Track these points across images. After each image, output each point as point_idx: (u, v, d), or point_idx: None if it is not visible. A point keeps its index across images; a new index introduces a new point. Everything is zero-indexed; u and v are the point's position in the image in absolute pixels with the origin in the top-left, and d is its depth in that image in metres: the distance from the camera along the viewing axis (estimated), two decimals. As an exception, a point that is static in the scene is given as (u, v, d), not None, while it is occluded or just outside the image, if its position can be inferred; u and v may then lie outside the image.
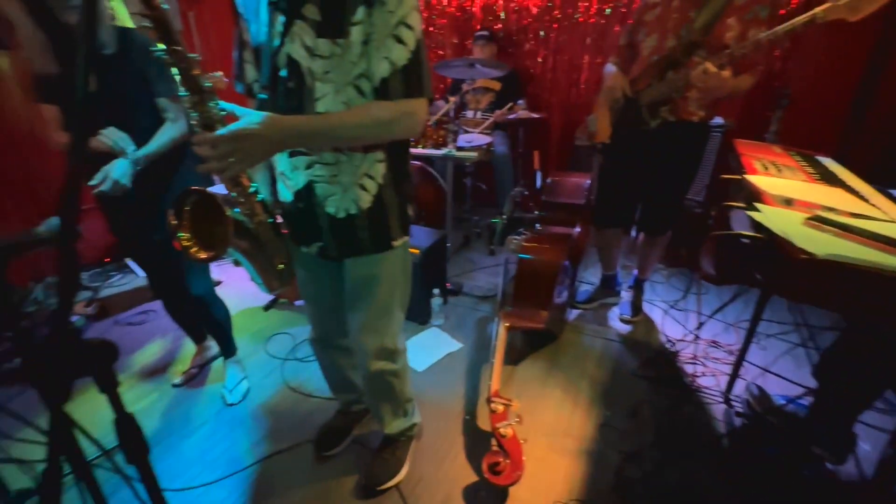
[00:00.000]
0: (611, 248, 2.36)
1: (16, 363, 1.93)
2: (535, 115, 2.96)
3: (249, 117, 0.87)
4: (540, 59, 3.35)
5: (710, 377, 1.94)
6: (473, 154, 2.67)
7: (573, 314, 2.42)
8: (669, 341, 2.18)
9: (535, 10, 3.26)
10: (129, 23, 1.43)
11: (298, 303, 2.47)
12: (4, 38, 2.21)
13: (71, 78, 1.33)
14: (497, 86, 3.31)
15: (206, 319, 1.80)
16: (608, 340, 2.21)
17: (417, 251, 2.19)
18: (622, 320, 2.34)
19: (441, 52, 3.64)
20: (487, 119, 3.34)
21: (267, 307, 2.49)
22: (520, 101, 2.98)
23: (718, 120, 2.68)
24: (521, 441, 1.47)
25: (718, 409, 1.78)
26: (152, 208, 1.51)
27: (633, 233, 2.99)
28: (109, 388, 0.61)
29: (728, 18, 1.63)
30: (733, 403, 1.78)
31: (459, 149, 2.75)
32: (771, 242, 0.93)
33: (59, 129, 1.39)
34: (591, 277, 2.75)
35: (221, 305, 1.81)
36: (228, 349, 1.91)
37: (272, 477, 1.52)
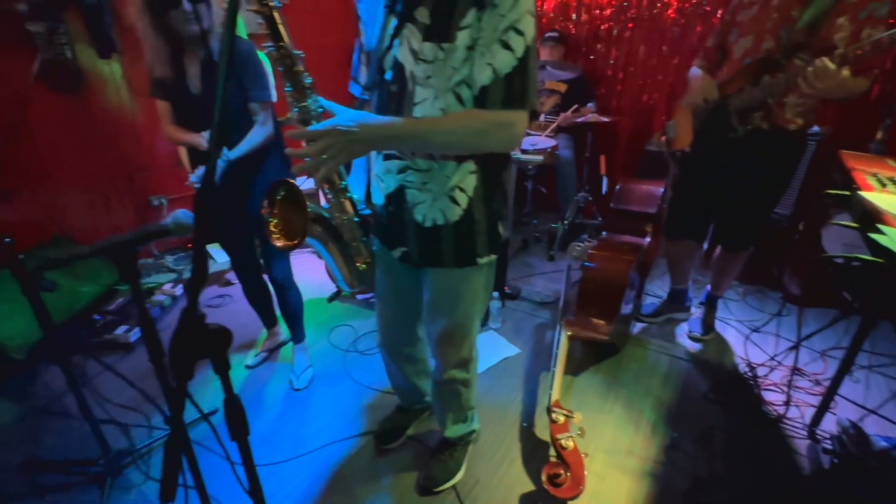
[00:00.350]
0: (683, 260, 2.23)
1: (126, 334, 2.14)
2: (605, 119, 2.86)
3: (343, 115, 0.89)
4: (612, 61, 3.23)
5: (792, 408, 1.78)
6: (538, 157, 2.62)
7: (637, 327, 2.32)
8: (746, 365, 2.02)
9: (608, 12, 3.15)
10: (242, 32, 1.54)
11: (361, 297, 2.55)
12: (118, 45, 2.46)
13: (180, 79, 1.46)
14: (563, 88, 3.23)
15: (281, 304, 1.91)
16: (675, 358, 2.09)
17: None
18: (691, 338, 2.21)
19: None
20: (552, 122, 3.28)
21: (331, 298, 2.55)
22: (589, 105, 2.89)
23: (814, 128, 2.46)
24: (583, 455, 1.43)
25: (801, 444, 1.63)
26: (239, 199, 1.62)
27: (706, 245, 2.81)
28: (223, 370, 0.66)
29: (838, 18, 1.48)
30: (820, 439, 1.62)
31: (524, 152, 2.71)
32: (893, 267, 0.84)
33: (169, 122, 1.54)
34: (657, 290, 2.62)
35: (297, 292, 1.92)
36: (298, 335, 2.01)
37: (334, 463, 1.58)
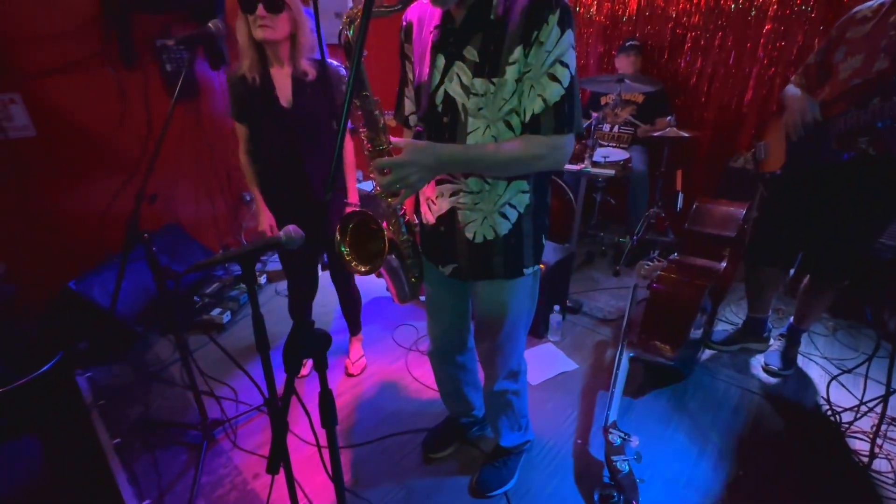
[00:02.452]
0: (765, 289, 2.09)
1: (219, 315, 2.42)
2: (685, 134, 2.73)
3: (411, 147, 0.94)
4: (696, 70, 3.07)
5: (881, 460, 1.63)
6: (610, 171, 2.58)
7: (706, 354, 2.21)
8: (831, 407, 1.87)
9: (696, 18, 3.00)
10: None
11: (423, 297, 2.66)
12: (227, 58, 2.76)
13: (270, 90, 1.59)
14: (639, 98, 3.13)
15: (343, 301, 2.04)
16: (748, 391, 1.98)
17: (543, 266, 2.20)
18: (767, 371, 2.08)
19: (583, 62, 3.56)
20: (626, 133, 3.18)
21: (395, 298, 2.73)
22: (669, 118, 2.78)
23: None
24: (639, 481, 1.42)
25: (889, 501, 1.49)
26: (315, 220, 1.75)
27: (792, 272, 2.60)
28: (321, 368, 0.77)
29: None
30: (914, 499, 1.47)
31: (595, 164, 2.68)
32: None
33: (246, 148, 1.72)
34: (731, 316, 2.47)
35: (357, 291, 2.06)
36: (355, 327, 2.16)
37: (391, 455, 1.69)
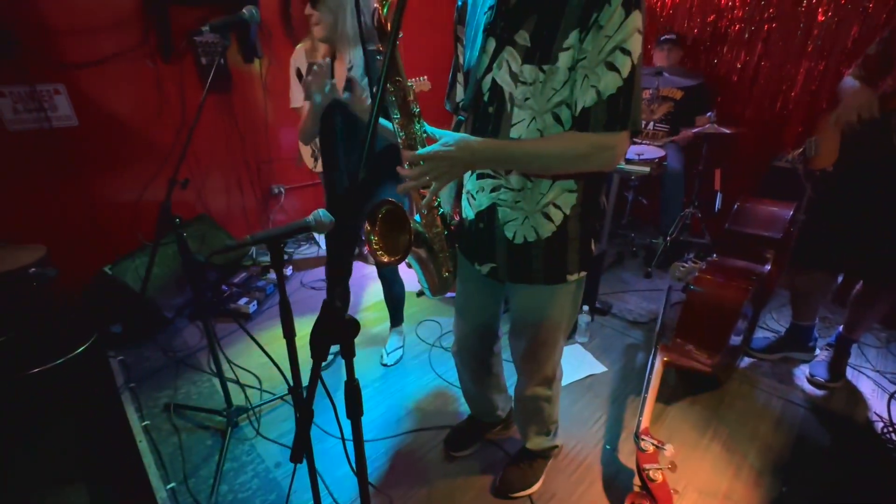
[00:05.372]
0: (812, 294, 1.96)
1: (246, 305, 2.45)
2: (725, 130, 2.61)
3: (445, 139, 0.90)
4: (739, 65, 2.93)
5: (945, 484, 1.49)
6: (645, 169, 2.47)
7: (745, 361, 2.10)
8: (885, 424, 1.73)
9: (741, 12, 2.86)
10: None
11: (448, 294, 2.63)
12: (260, 51, 2.80)
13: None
14: (678, 95, 3.00)
15: (387, 294, 2.07)
16: (790, 403, 1.86)
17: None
18: (813, 383, 1.95)
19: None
20: (661, 130, 3.06)
21: (420, 293, 2.70)
22: (710, 114, 2.65)
23: None
24: (673, 491, 1.34)
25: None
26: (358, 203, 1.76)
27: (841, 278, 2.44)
28: (349, 356, 0.74)
29: None
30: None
31: (628, 161, 2.58)
32: None
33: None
34: (773, 323, 2.34)
35: (401, 285, 2.06)
36: (397, 320, 2.17)
37: (412, 451, 1.66)
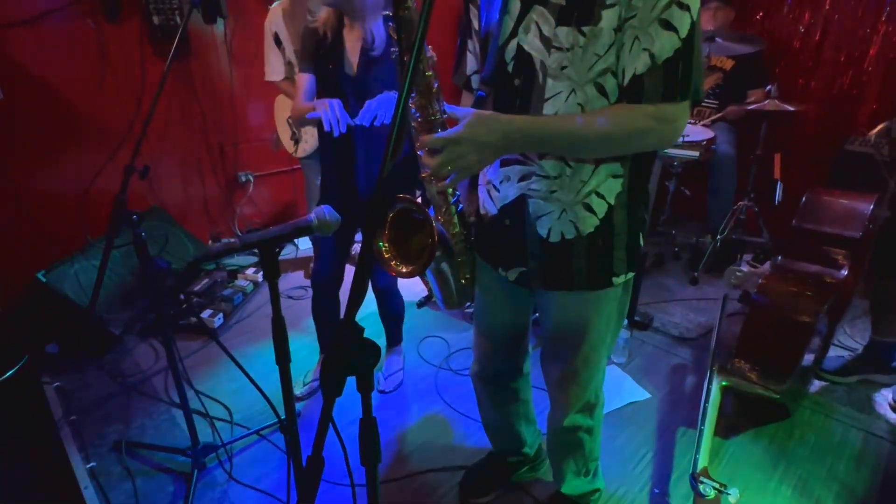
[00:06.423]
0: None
1: (210, 318, 2.42)
2: (788, 108, 2.61)
3: (469, 119, 0.88)
4: (802, 29, 2.94)
5: None
6: (693, 153, 2.48)
7: (816, 385, 2.10)
8: None
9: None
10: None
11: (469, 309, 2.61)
12: (224, 9, 2.76)
13: (340, 54, 1.59)
14: (728, 65, 3.01)
15: (384, 309, 2.06)
16: (872, 435, 1.86)
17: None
18: (898, 411, 1.96)
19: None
20: (709, 108, 3.07)
21: (420, 304, 2.68)
22: (769, 87, 2.66)
23: None
24: (741, 545, 1.33)
25: None
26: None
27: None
28: (366, 389, 0.72)
29: None
30: None
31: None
32: None
33: (303, 97, 1.66)
34: (848, 340, 2.35)
35: (400, 300, 2.05)
36: (395, 338, 2.16)
37: (422, 497, 1.64)
